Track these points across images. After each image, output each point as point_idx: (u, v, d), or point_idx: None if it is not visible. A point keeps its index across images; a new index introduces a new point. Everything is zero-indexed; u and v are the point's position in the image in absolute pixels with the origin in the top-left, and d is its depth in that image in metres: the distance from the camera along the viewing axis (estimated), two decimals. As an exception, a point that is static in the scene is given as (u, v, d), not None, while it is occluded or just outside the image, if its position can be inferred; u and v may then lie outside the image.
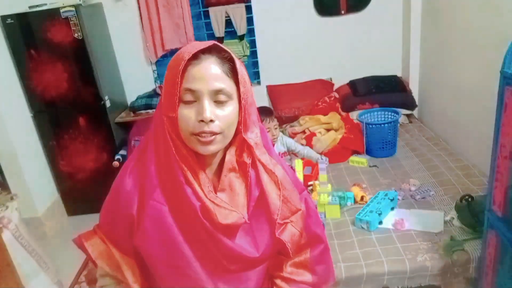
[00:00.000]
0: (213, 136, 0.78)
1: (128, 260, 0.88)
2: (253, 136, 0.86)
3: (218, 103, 0.79)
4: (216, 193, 0.84)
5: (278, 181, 0.88)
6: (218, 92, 0.78)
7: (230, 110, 0.80)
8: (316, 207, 1.07)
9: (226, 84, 0.79)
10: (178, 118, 0.78)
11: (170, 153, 0.80)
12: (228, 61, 0.80)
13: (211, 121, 0.77)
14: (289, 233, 0.90)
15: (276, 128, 2.60)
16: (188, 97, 0.77)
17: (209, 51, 0.78)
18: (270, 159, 0.89)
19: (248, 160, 0.86)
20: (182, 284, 0.85)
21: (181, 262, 0.83)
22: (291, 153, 2.76)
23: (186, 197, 0.80)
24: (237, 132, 0.85)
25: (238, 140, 0.86)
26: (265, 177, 0.88)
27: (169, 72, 0.80)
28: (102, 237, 0.90)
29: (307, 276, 0.97)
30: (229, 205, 0.83)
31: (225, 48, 0.81)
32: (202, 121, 0.76)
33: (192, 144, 0.80)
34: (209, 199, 0.81)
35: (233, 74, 0.81)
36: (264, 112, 2.58)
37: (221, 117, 0.79)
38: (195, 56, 0.77)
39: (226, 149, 0.86)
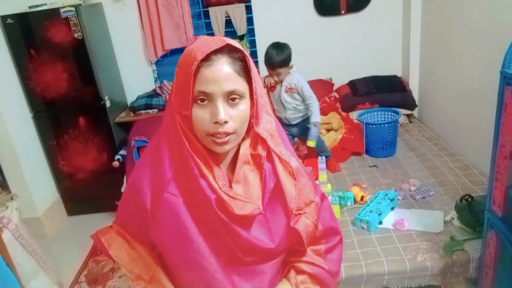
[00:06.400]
0: (228, 137, 0.79)
1: (145, 249, 0.90)
2: (267, 127, 0.86)
3: (231, 103, 0.79)
4: (231, 186, 0.85)
5: (293, 171, 0.89)
6: (231, 93, 0.78)
7: (242, 108, 0.81)
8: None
9: (239, 84, 0.79)
10: (192, 117, 0.79)
11: (183, 148, 0.81)
12: (239, 60, 0.80)
13: (225, 122, 0.78)
14: (303, 224, 0.91)
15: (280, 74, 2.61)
16: (201, 98, 0.78)
17: (221, 50, 0.78)
18: (285, 150, 0.90)
19: (263, 153, 0.86)
20: (197, 275, 0.86)
21: (196, 254, 0.84)
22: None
23: (201, 190, 0.81)
24: (251, 126, 0.85)
25: (252, 134, 0.86)
26: (280, 168, 0.88)
27: (180, 70, 0.80)
28: (118, 230, 0.92)
29: (323, 263, 1.00)
30: (243, 196, 0.84)
31: (237, 46, 0.80)
32: (217, 122, 0.77)
33: (207, 144, 0.81)
34: (224, 192, 0.82)
35: (244, 72, 0.81)
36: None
37: (235, 116, 0.79)
38: (207, 57, 0.76)
39: (240, 142, 0.87)
